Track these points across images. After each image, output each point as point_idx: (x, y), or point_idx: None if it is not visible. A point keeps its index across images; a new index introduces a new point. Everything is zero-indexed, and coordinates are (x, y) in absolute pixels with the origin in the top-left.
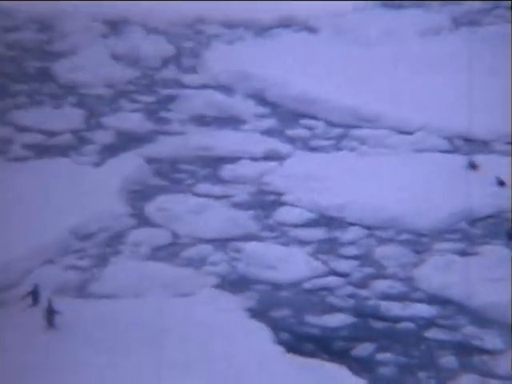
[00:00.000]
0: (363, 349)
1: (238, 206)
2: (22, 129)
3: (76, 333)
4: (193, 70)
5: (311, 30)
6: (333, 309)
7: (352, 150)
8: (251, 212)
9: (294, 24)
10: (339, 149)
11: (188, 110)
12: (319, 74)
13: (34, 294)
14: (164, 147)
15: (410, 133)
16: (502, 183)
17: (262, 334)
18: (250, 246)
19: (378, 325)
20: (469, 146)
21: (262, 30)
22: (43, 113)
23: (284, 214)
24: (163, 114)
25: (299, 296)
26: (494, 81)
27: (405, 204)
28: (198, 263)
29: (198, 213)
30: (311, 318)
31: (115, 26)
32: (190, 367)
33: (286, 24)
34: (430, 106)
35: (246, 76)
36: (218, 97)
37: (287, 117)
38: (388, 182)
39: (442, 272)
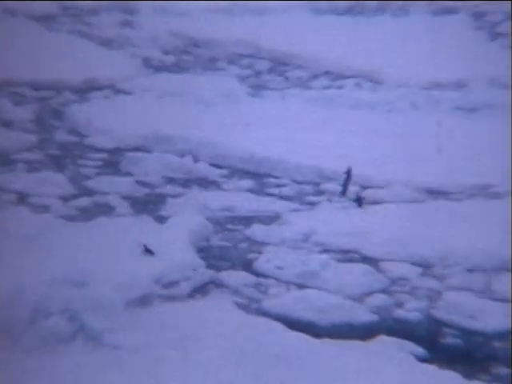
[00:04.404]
0: None
1: (343, 261)
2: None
3: None
4: (78, 133)
5: (126, 92)
6: None
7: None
8: (368, 268)
9: (101, 87)
10: (337, 203)
11: (151, 174)
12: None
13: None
14: (183, 209)
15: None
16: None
17: None
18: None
19: None
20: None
21: (80, 91)
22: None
23: (393, 268)
24: (131, 178)
25: None
26: None
27: None
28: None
29: (324, 268)
30: None
31: None
32: None
33: (94, 87)
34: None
35: (164, 138)
36: (168, 159)
37: (251, 177)
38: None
39: None
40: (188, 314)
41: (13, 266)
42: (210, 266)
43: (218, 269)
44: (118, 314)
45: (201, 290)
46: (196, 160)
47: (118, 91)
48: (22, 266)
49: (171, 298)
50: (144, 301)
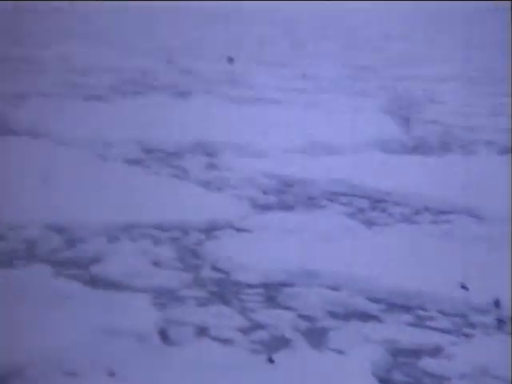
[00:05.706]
0: None
1: None
2: None
3: None
4: (221, 270)
5: (247, 230)
6: None
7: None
8: None
9: (222, 227)
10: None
11: (311, 307)
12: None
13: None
14: (349, 342)
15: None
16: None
17: None
18: None
19: None
20: None
21: (204, 231)
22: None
23: None
24: (293, 312)
25: None
26: None
27: None
28: None
29: None
30: None
31: None
32: None
33: (216, 227)
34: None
35: (310, 273)
36: (325, 293)
37: (405, 310)
38: None
39: None
40: None
41: None
42: None
43: None
44: None
45: None
46: (351, 294)
47: (239, 230)
48: None
49: None
50: None
